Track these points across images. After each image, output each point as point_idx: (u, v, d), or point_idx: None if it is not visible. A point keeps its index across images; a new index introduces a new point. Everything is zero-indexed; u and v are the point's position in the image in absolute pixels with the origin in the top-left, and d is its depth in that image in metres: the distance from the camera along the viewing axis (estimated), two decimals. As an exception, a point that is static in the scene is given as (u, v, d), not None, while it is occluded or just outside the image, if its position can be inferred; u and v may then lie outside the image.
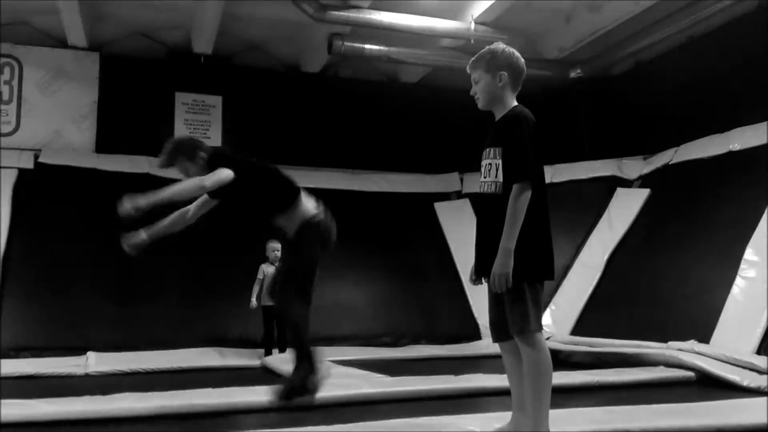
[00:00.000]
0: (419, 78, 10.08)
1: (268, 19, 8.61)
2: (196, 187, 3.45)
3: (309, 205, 3.69)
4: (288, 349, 3.55)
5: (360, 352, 6.81)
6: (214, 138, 9.11)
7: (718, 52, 7.88)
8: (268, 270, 6.70)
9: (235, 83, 9.29)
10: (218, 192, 3.65)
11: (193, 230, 8.11)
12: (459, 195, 9.51)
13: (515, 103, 2.86)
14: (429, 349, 7.32)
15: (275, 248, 6.61)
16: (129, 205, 3.31)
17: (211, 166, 3.60)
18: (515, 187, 2.66)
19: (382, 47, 8.60)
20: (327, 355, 6.24)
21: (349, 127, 9.66)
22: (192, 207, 3.83)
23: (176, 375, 5.77)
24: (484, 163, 2.85)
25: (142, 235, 3.74)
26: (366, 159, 9.58)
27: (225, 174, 3.45)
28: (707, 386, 4.83)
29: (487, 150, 2.84)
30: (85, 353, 6.31)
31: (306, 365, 3.47)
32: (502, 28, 8.28)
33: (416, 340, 7.78)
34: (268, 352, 6.58)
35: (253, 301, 6.69)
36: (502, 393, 3.78)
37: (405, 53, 8.76)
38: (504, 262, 2.62)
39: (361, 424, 3.26)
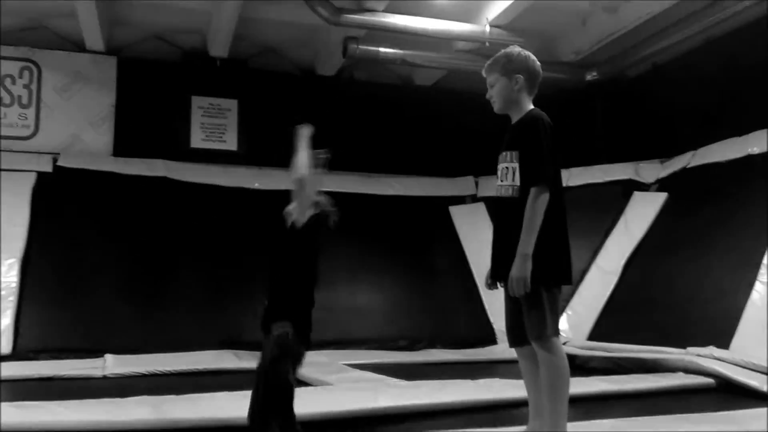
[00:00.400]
0: (434, 81, 10.07)
1: (284, 23, 8.64)
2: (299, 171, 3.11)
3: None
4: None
5: (375, 356, 6.80)
6: (230, 142, 9.15)
7: (736, 53, 7.80)
8: None
9: (250, 87, 9.34)
10: None
11: (210, 233, 8.19)
12: (474, 199, 9.48)
13: (531, 107, 2.84)
14: (444, 354, 7.30)
15: None
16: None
17: None
18: (533, 191, 2.64)
19: (396, 50, 8.60)
20: (342, 359, 6.29)
21: (364, 130, 9.66)
22: None
23: (193, 377, 5.80)
24: (500, 166, 2.83)
25: None
26: (381, 162, 9.57)
27: (303, 216, 3.14)
28: (727, 393, 4.77)
29: (504, 153, 2.82)
30: (102, 355, 6.36)
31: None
32: (517, 31, 8.24)
33: (431, 344, 7.76)
34: None
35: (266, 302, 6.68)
36: (520, 404, 3.75)
37: (420, 56, 8.75)
38: (522, 266, 2.60)
39: (376, 430, 3.25)
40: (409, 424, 3.79)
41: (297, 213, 3.08)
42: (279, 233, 3.16)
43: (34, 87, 8.61)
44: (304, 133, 3.21)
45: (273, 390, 2.93)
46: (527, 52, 2.88)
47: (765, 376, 4.83)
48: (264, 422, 2.88)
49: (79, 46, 8.77)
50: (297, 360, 3.02)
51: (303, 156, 3.16)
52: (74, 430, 3.52)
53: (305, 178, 3.11)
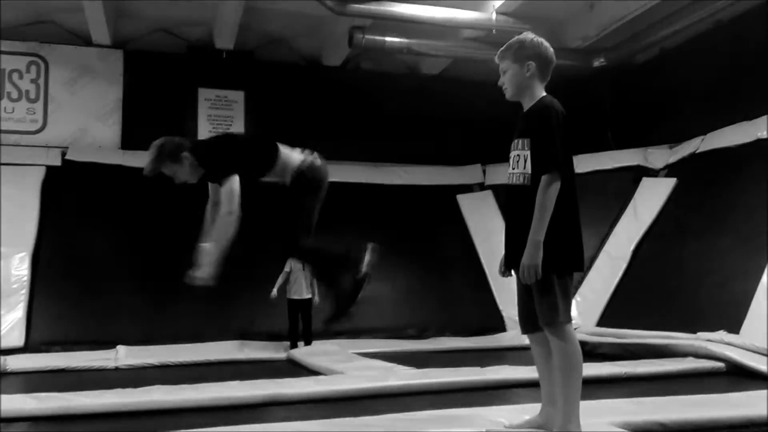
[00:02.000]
0: (440, 69, 10.04)
1: (289, 14, 8.63)
2: (229, 221, 3.52)
3: (294, 155, 3.75)
4: (321, 284, 3.67)
5: (385, 345, 6.85)
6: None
7: (745, 37, 7.73)
8: (295, 264, 6.72)
9: (256, 78, 9.33)
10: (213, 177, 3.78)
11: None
12: (482, 187, 9.47)
13: (544, 94, 2.83)
14: (454, 341, 7.32)
15: None
16: (203, 277, 3.60)
17: (200, 163, 3.71)
18: (544, 178, 2.64)
19: (402, 39, 8.57)
20: (352, 348, 6.33)
21: (371, 119, 9.65)
22: (210, 204, 3.96)
23: (204, 368, 5.85)
24: (512, 154, 2.82)
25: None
26: (388, 152, 9.56)
27: (235, 183, 3.50)
28: (737, 377, 4.78)
29: (516, 141, 2.81)
30: (114, 347, 6.42)
31: (343, 275, 3.56)
32: (524, 18, 8.20)
33: (441, 332, 7.78)
34: (294, 345, 6.63)
35: (274, 291, 6.73)
36: (530, 385, 3.78)
37: (426, 45, 8.71)
38: (533, 253, 2.60)
39: (388, 416, 3.27)
40: (414, 401, 3.83)
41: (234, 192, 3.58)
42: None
43: (41, 81, 8.64)
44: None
45: (305, 214, 3.54)
46: (540, 39, 2.86)
47: (776, 361, 4.82)
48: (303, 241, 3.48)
49: (86, 40, 8.79)
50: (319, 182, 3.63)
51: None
52: (89, 413, 3.57)
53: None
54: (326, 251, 3.62)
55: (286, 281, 6.74)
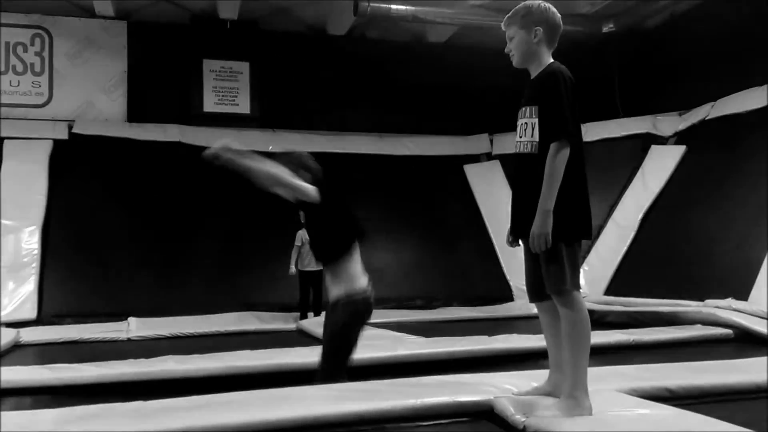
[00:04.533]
0: (447, 38, 9.92)
1: (293, -18, 8.53)
2: (281, 181, 3.15)
3: (358, 270, 3.27)
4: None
5: (393, 315, 6.86)
6: (242, 105, 9.12)
7: (755, 2, 7.58)
8: (305, 236, 6.74)
9: (261, 48, 9.26)
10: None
11: (227, 196, 8.24)
12: (489, 157, 9.43)
13: (551, 60, 2.78)
14: (461, 311, 7.35)
15: None
16: (219, 147, 3.23)
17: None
18: (553, 146, 2.61)
19: (408, 7, 8.46)
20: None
21: (377, 89, 9.58)
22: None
23: (215, 338, 5.90)
24: (519, 122, 2.79)
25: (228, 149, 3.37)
26: (394, 122, 9.51)
27: (312, 194, 3.16)
28: (745, 343, 4.79)
29: (523, 109, 2.78)
30: (126, 319, 6.48)
31: None
32: (531, -16, 8.06)
33: (448, 302, 7.82)
34: (304, 316, 6.68)
35: (292, 267, 6.77)
36: (538, 353, 3.80)
37: (432, 12, 8.61)
38: (543, 222, 2.59)
39: (397, 381, 3.30)
40: (424, 369, 3.86)
41: (303, 195, 3.17)
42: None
43: (46, 54, 8.61)
44: (227, 146, 3.32)
45: (343, 352, 3.24)
46: (547, 4, 2.81)
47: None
48: (337, 376, 3.20)
49: (89, 12, 8.72)
50: (363, 322, 3.27)
51: (257, 165, 3.24)
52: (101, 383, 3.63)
53: (278, 178, 3.19)
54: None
55: (298, 255, 6.78)
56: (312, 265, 6.65)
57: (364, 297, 3.23)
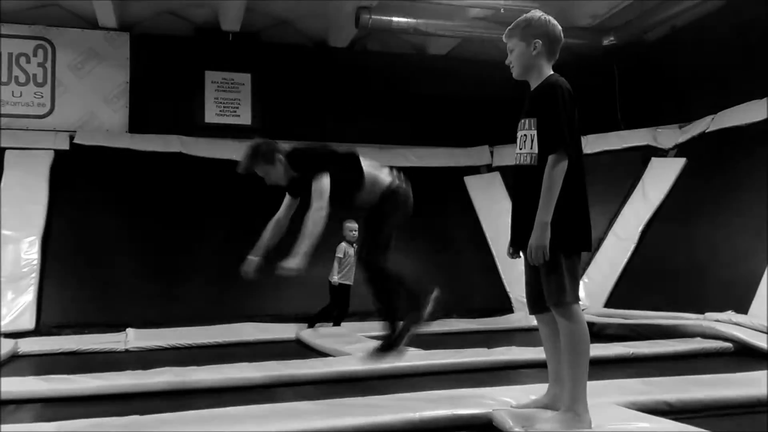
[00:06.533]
0: (448, 50, 9.96)
1: (295, -5, 8.58)
2: (321, 217, 3.54)
3: (383, 174, 3.82)
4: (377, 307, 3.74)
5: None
6: (244, 116, 9.15)
7: (756, 15, 7.62)
8: (348, 250, 6.78)
9: (263, 60, 9.30)
10: (298, 191, 3.84)
11: (227, 207, 8.24)
12: (489, 168, 9.44)
13: (551, 72, 2.80)
14: (461, 323, 7.32)
15: (352, 228, 6.73)
16: (293, 267, 3.56)
17: (293, 167, 3.77)
18: (551, 158, 2.61)
19: (409, 19, 8.50)
20: (359, 330, 6.35)
21: (378, 101, 9.61)
22: (282, 214, 3.98)
23: (213, 349, 5.89)
24: (519, 134, 2.80)
25: (254, 259, 4.03)
26: (395, 133, 9.53)
27: (326, 182, 3.57)
28: (745, 357, 4.77)
29: (523, 121, 2.79)
30: (124, 329, 6.46)
31: (415, 309, 3.66)
32: (532, -3, 8.11)
33: (448, 314, 7.76)
34: (312, 325, 6.64)
35: (335, 278, 6.75)
36: (537, 365, 3.79)
37: (433, 25, 8.65)
38: (541, 234, 2.59)
39: (395, 395, 3.29)
40: (421, 381, 3.85)
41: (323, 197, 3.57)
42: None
43: (48, 65, 8.65)
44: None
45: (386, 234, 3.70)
46: (548, 17, 2.82)
47: (785, 341, 4.81)
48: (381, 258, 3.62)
49: (92, 23, 8.77)
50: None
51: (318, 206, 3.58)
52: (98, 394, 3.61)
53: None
54: (397, 280, 3.67)
55: (339, 265, 6.78)
56: (349, 279, 6.69)
57: (397, 187, 3.76)
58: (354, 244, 6.71)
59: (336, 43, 9.62)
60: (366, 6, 8.32)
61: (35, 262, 7.02)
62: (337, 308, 6.80)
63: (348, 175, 3.71)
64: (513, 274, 7.56)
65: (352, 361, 4.49)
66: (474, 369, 4.38)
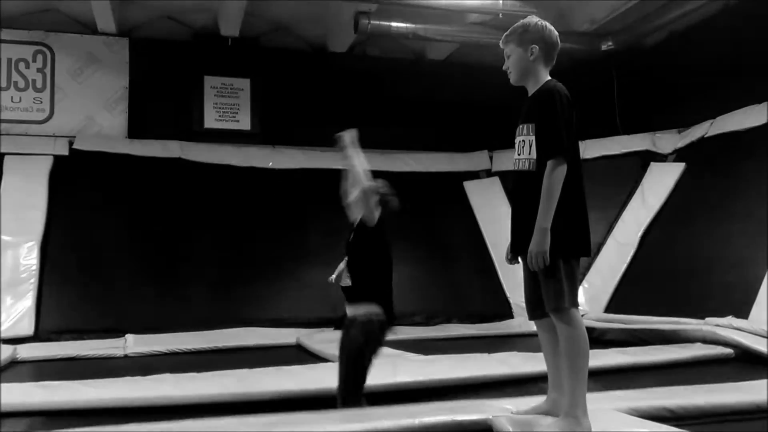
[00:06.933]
0: (447, 55, 9.97)
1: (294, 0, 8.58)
2: (364, 189, 3.42)
3: (383, 294, 3.51)
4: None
5: (392, 332, 6.83)
6: (243, 121, 9.14)
7: (754, 20, 7.62)
8: None
9: (262, 65, 9.30)
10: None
11: (226, 212, 8.23)
12: (488, 173, 9.43)
13: (548, 78, 2.80)
14: (461, 328, 7.32)
15: None
16: (347, 134, 3.46)
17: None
18: (549, 164, 2.61)
19: (408, 24, 8.50)
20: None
21: (377, 106, 9.61)
22: None
23: (212, 355, 5.87)
24: (517, 139, 2.80)
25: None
26: (394, 139, 9.53)
27: (374, 218, 3.45)
28: (746, 362, 4.76)
29: (520, 126, 2.79)
30: (123, 335, 6.45)
31: None
32: (531, 1, 8.12)
33: (448, 320, 7.78)
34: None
35: (333, 277, 6.65)
36: (537, 371, 3.77)
37: (432, 30, 8.65)
38: (541, 240, 2.58)
39: (394, 408, 3.27)
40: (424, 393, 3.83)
41: (367, 216, 3.43)
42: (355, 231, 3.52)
43: (47, 71, 8.65)
44: (351, 138, 3.45)
45: (359, 371, 3.30)
46: (545, 23, 2.83)
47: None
48: (356, 398, 3.28)
49: (91, 29, 8.78)
50: (379, 343, 3.38)
51: (360, 164, 3.45)
52: (98, 407, 3.59)
53: (371, 188, 3.43)
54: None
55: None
56: None
57: (380, 320, 3.37)
58: None
59: (335, 48, 9.62)
60: (365, 11, 8.33)
61: (34, 267, 7.01)
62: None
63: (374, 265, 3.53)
64: (513, 279, 7.56)
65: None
66: (474, 375, 4.36)
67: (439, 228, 8.78)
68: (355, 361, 3.31)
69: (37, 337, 6.53)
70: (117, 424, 2.89)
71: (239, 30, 8.96)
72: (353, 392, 3.29)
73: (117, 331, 6.57)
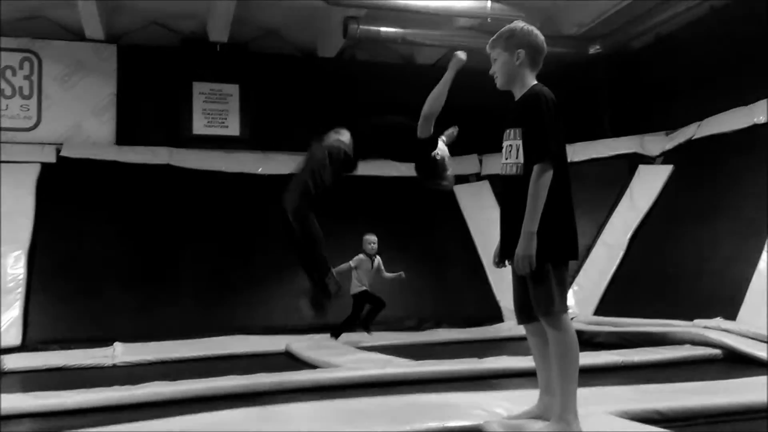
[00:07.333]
0: (436, 59, 9.99)
1: (283, 5, 8.58)
2: (437, 102, 4.31)
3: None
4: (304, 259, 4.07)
5: (383, 337, 6.83)
6: (232, 127, 9.12)
7: (740, 21, 7.69)
8: (363, 263, 6.72)
9: (251, 71, 9.28)
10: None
11: (215, 219, 8.21)
12: (478, 177, 9.45)
13: (534, 82, 2.81)
14: (452, 333, 7.32)
15: (372, 240, 6.75)
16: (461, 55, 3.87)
17: None
18: (536, 168, 2.62)
19: (397, 29, 8.52)
20: (350, 341, 6.33)
21: (366, 111, 9.58)
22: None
23: (201, 363, 5.84)
24: (504, 144, 2.81)
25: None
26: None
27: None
28: (734, 363, 4.78)
29: (508, 131, 2.80)
30: (111, 344, 6.40)
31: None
32: (519, 5, 8.15)
33: (438, 324, 7.78)
34: (339, 334, 6.58)
35: (355, 289, 6.67)
36: (528, 375, 3.78)
37: (421, 35, 8.67)
38: (527, 244, 2.59)
39: (384, 398, 3.27)
40: (411, 390, 3.84)
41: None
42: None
43: (35, 78, 8.60)
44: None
45: (317, 180, 3.95)
46: (531, 27, 2.85)
47: (772, 346, 4.83)
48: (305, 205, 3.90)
49: (79, 35, 8.74)
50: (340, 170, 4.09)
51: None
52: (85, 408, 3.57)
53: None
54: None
55: (348, 277, 6.67)
56: (364, 285, 6.67)
57: (345, 150, 4.16)
58: (372, 257, 6.75)
59: (324, 53, 9.62)
60: (354, 16, 8.34)
61: (21, 276, 6.96)
62: (371, 309, 6.75)
63: None
64: (503, 283, 7.56)
65: (342, 372, 4.47)
66: (465, 378, 4.36)
67: (429, 232, 8.79)
68: (312, 172, 3.88)
69: (25, 347, 6.48)
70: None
71: (228, 36, 8.94)
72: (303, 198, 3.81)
73: (105, 340, 6.51)
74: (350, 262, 6.72)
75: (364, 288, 6.72)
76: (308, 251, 3.90)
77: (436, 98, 3.90)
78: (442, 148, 4.07)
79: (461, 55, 3.77)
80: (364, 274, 6.72)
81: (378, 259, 6.84)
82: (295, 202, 3.87)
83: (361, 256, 6.79)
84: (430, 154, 4.09)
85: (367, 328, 6.80)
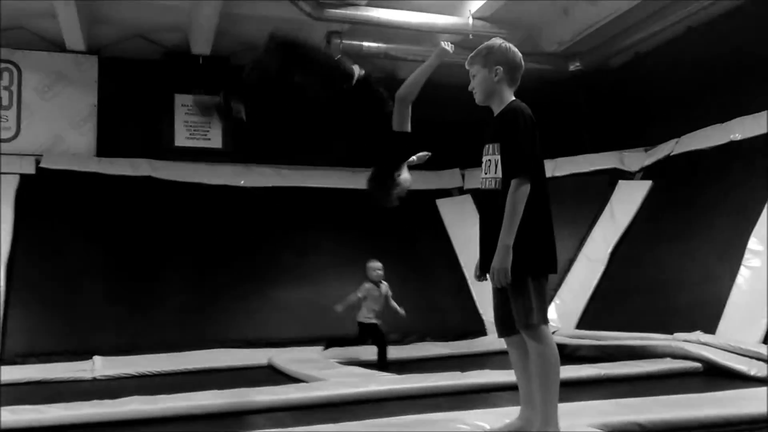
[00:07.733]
0: (418, 74, 10.05)
1: (266, 18, 8.56)
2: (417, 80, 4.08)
3: None
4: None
5: (366, 352, 6.80)
6: (214, 139, 9.10)
7: (717, 41, 7.85)
8: (371, 291, 6.42)
9: (234, 84, 9.25)
10: None
11: (197, 231, 8.15)
12: (461, 191, 9.50)
13: (512, 98, 2.87)
14: (435, 347, 7.31)
15: (377, 267, 6.47)
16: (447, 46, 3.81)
17: None
18: (513, 182, 2.67)
19: (380, 44, 8.59)
20: (333, 355, 6.30)
21: (349, 125, 9.61)
22: None
23: (182, 377, 5.78)
24: (484, 159, 2.87)
25: None
26: (367, 157, 9.53)
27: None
28: (714, 377, 4.83)
29: (487, 146, 2.86)
30: (91, 357, 6.32)
31: None
32: (500, 23, 8.25)
33: (422, 338, 7.76)
34: (330, 346, 6.39)
35: (339, 306, 6.37)
36: (510, 388, 3.79)
37: (403, 50, 8.74)
38: (503, 257, 2.63)
39: (369, 421, 3.26)
40: (395, 406, 3.83)
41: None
42: None
43: (14, 88, 8.53)
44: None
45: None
46: (509, 44, 2.92)
47: (752, 360, 4.89)
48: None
49: (60, 46, 8.68)
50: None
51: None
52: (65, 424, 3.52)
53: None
54: None
55: (358, 307, 6.41)
56: (373, 318, 6.35)
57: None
58: (379, 284, 6.45)
59: (307, 68, 9.64)
60: (337, 31, 8.39)
61: (-1, 289, 6.85)
62: (379, 352, 6.28)
63: None
64: (486, 297, 7.52)
65: (325, 387, 4.45)
66: (448, 393, 4.37)
67: (412, 246, 8.80)
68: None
69: (3, 360, 6.36)
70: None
71: (210, 48, 8.94)
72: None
73: (85, 354, 6.43)
74: (357, 293, 6.39)
75: (374, 322, 6.37)
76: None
77: (412, 82, 3.77)
78: (405, 177, 3.94)
79: (446, 45, 3.71)
80: (373, 302, 6.38)
81: (385, 286, 6.51)
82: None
83: (366, 285, 6.46)
84: (401, 161, 3.96)
85: (385, 368, 6.06)
